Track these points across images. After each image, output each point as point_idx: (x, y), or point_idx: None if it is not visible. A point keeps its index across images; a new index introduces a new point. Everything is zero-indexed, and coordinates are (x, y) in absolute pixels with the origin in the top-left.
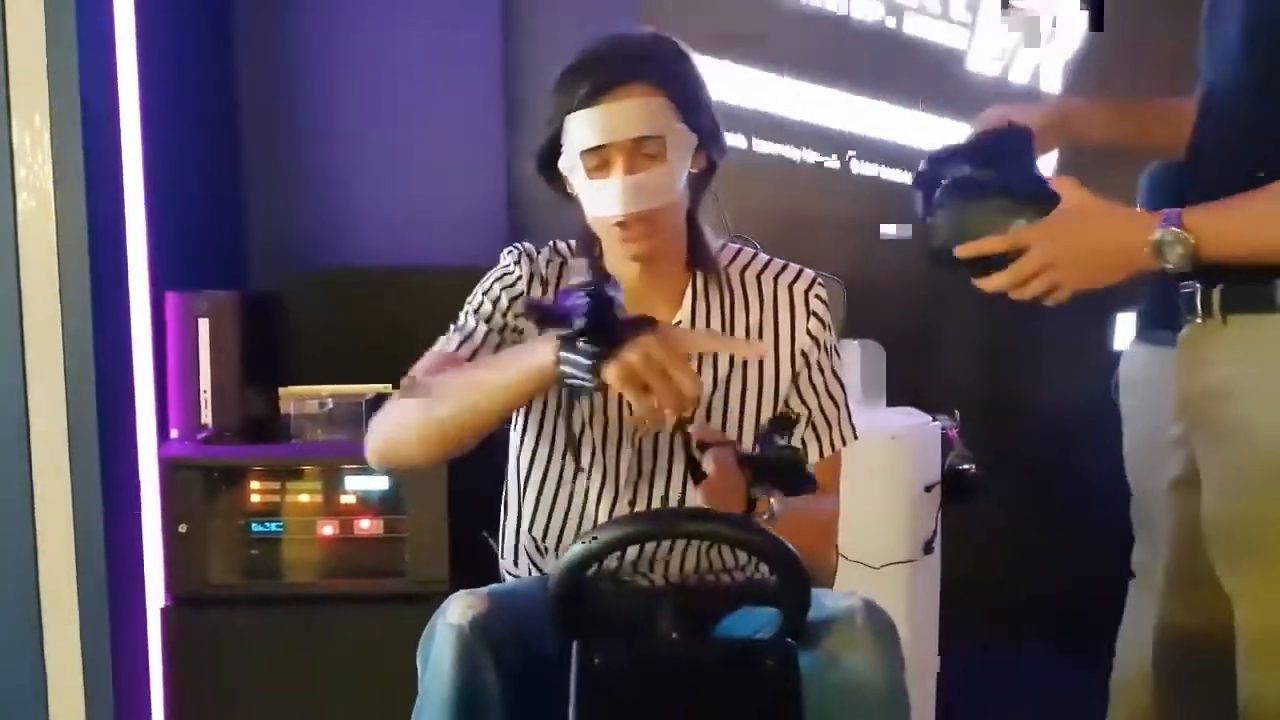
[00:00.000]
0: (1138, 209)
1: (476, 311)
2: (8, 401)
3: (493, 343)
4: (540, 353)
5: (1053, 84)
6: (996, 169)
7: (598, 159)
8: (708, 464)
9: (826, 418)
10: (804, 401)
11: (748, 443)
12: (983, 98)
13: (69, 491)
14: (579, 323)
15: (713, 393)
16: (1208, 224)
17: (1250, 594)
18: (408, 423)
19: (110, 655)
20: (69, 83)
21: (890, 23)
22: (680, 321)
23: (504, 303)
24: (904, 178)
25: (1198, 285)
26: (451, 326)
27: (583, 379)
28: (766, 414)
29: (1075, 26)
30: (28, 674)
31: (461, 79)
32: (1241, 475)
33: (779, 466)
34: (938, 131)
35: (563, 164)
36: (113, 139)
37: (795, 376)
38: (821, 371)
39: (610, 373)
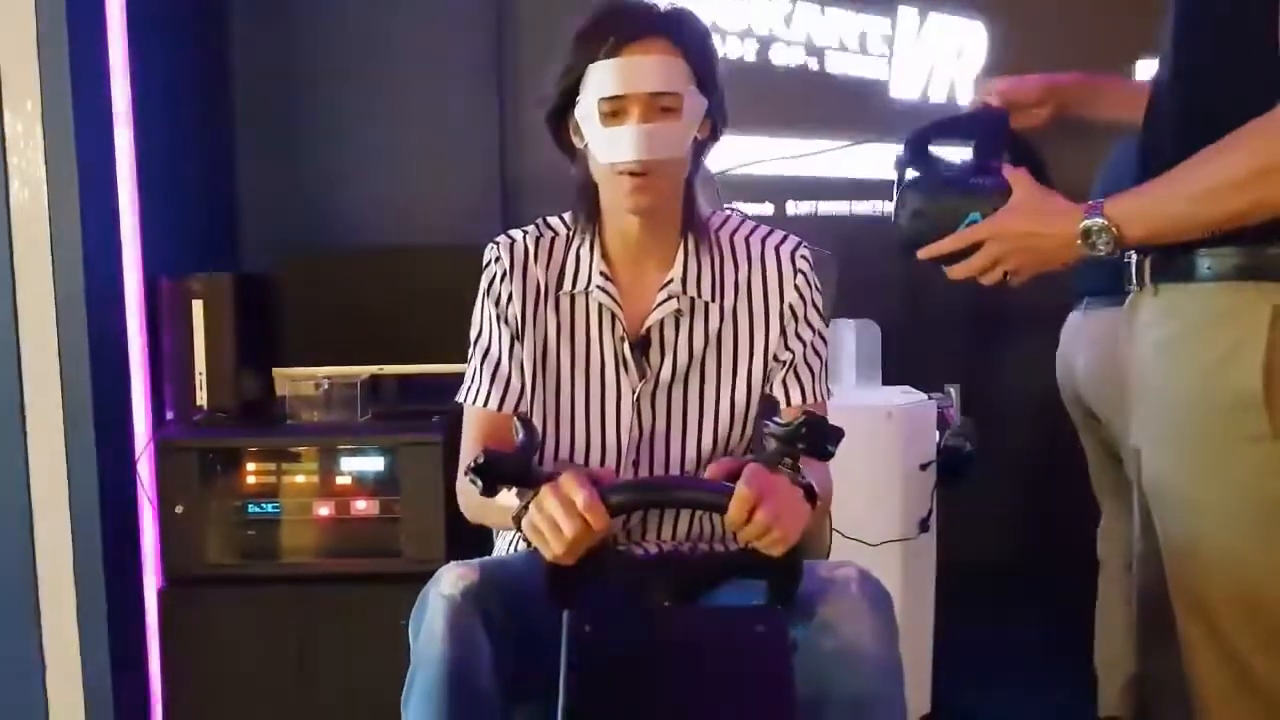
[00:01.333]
0: (1069, 202)
1: (480, 335)
2: (3, 386)
3: (515, 350)
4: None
5: (966, 98)
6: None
7: (615, 108)
8: (750, 484)
9: (810, 368)
10: (788, 348)
11: (740, 396)
12: (906, 122)
13: (65, 474)
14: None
15: (704, 349)
16: (1125, 210)
17: (1170, 548)
18: (471, 510)
19: (107, 636)
20: (60, 68)
21: (813, 64)
22: (673, 280)
23: (498, 308)
24: (840, 209)
25: (1134, 255)
26: (470, 357)
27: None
28: (757, 369)
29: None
30: (25, 656)
31: (456, 59)
32: (1163, 437)
33: (808, 435)
34: (866, 161)
35: (579, 111)
36: (105, 124)
37: (783, 331)
38: (810, 326)
39: (524, 526)
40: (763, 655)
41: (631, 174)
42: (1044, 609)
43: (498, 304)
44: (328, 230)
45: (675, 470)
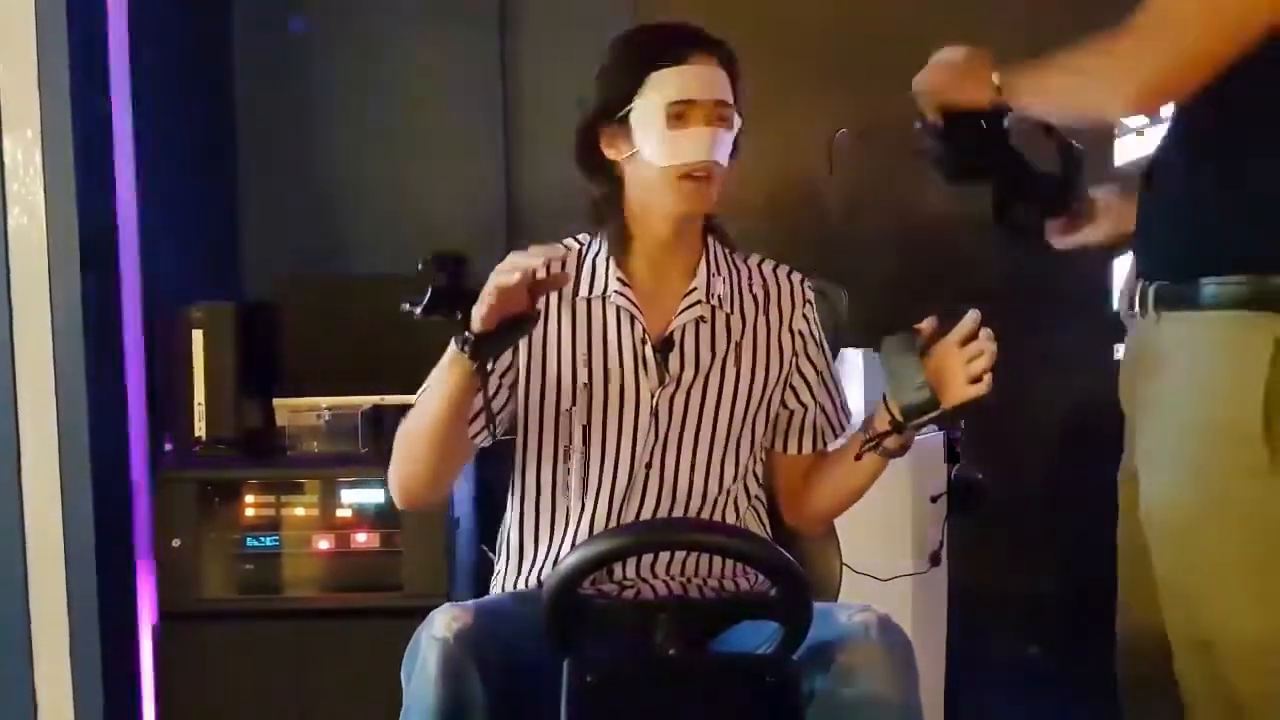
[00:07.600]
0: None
1: None
2: None
3: None
4: (450, 350)
5: None
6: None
7: (681, 112)
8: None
9: (831, 398)
10: (805, 379)
11: (754, 405)
12: None
13: (59, 506)
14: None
15: (725, 355)
16: (1014, 74)
17: (1167, 582)
18: (398, 449)
19: (101, 672)
20: (61, 95)
21: None
22: (697, 288)
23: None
24: None
25: (1140, 281)
26: None
27: (468, 336)
28: (771, 383)
29: None
30: (17, 693)
31: (460, 84)
32: (1162, 466)
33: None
34: None
35: (636, 116)
36: (105, 151)
37: (794, 354)
38: (821, 349)
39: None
40: (773, 707)
41: (693, 176)
42: (1057, 643)
43: None
44: (330, 258)
45: (685, 474)
